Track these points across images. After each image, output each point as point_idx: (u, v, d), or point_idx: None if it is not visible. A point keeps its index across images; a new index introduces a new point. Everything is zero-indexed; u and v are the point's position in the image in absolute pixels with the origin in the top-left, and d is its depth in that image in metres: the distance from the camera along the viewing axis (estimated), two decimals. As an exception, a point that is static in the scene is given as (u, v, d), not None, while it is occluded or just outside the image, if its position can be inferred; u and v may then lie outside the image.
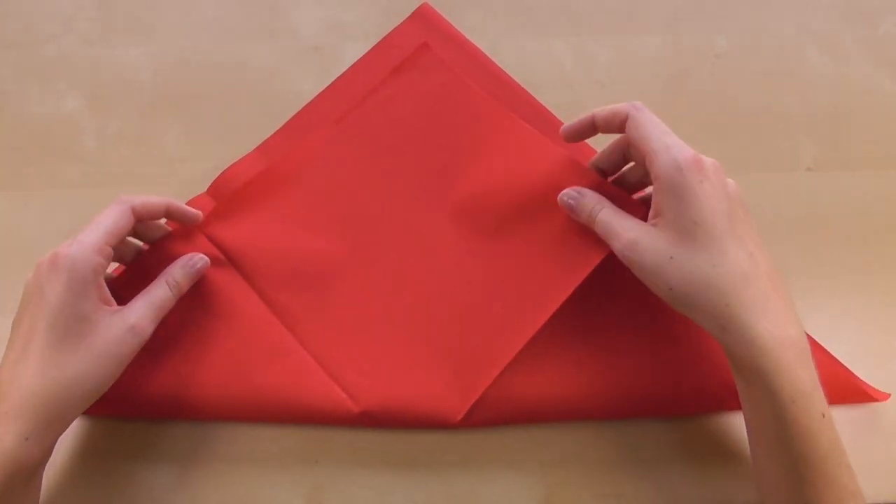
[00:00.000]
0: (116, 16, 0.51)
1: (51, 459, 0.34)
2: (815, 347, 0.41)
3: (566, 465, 0.40)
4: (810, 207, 0.46)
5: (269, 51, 0.50)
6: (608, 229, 0.36)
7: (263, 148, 0.46)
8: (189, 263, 0.39)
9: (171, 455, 0.40)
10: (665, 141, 0.35)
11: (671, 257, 0.33)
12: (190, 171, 0.46)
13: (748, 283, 0.32)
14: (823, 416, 0.31)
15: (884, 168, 0.47)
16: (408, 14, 0.49)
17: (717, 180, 0.34)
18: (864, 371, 0.41)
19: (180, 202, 0.40)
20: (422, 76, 0.46)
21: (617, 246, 0.36)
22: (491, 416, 0.40)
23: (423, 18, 0.48)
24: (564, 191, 0.39)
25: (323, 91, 0.47)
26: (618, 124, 0.37)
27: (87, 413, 0.36)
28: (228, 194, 0.43)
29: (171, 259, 0.39)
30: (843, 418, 0.41)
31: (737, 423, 0.41)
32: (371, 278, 0.42)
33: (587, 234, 0.39)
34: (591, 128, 0.39)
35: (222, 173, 0.44)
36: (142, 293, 0.37)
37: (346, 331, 0.41)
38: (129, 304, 0.36)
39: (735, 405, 0.36)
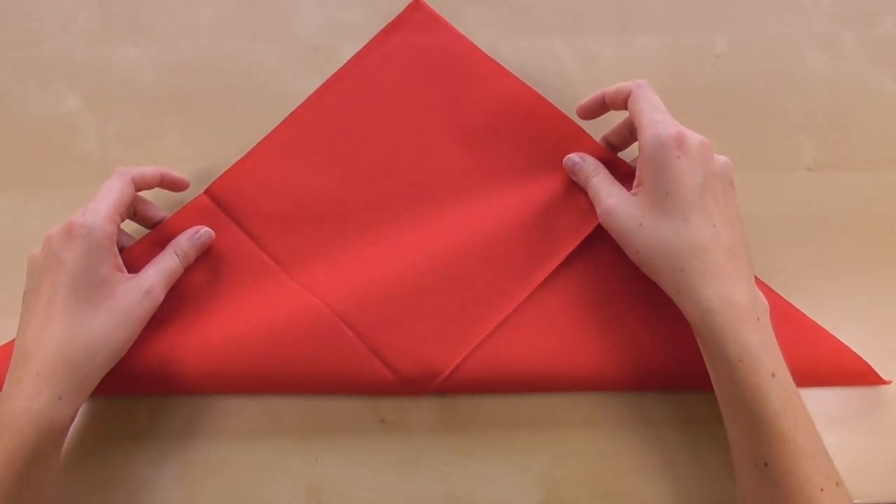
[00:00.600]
0: (116, 16, 0.51)
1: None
2: (818, 329, 0.42)
3: (566, 464, 0.40)
4: (810, 207, 0.46)
5: (269, 51, 0.50)
6: (596, 193, 0.40)
7: (265, 144, 0.45)
8: (195, 236, 0.41)
9: (172, 454, 0.40)
10: (654, 117, 0.37)
11: (640, 224, 0.37)
12: (190, 171, 0.46)
13: (704, 252, 0.35)
14: (774, 376, 0.33)
15: (884, 168, 0.47)
16: (407, 14, 0.49)
17: (698, 156, 0.36)
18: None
19: (172, 170, 0.42)
20: (416, 33, 0.47)
21: (598, 209, 0.40)
22: (484, 376, 0.40)
23: (416, 12, 0.49)
24: (570, 154, 0.42)
25: (316, 91, 0.47)
26: (622, 100, 0.40)
27: (98, 393, 0.36)
28: (228, 189, 0.44)
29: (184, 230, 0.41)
30: (844, 417, 0.41)
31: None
32: (375, 231, 0.43)
33: (586, 196, 0.41)
34: (602, 105, 0.42)
35: (221, 176, 0.44)
36: (152, 262, 0.39)
37: (351, 278, 0.41)
38: (141, 272, 0.38)
39: None
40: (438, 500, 0.39)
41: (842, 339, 0.42)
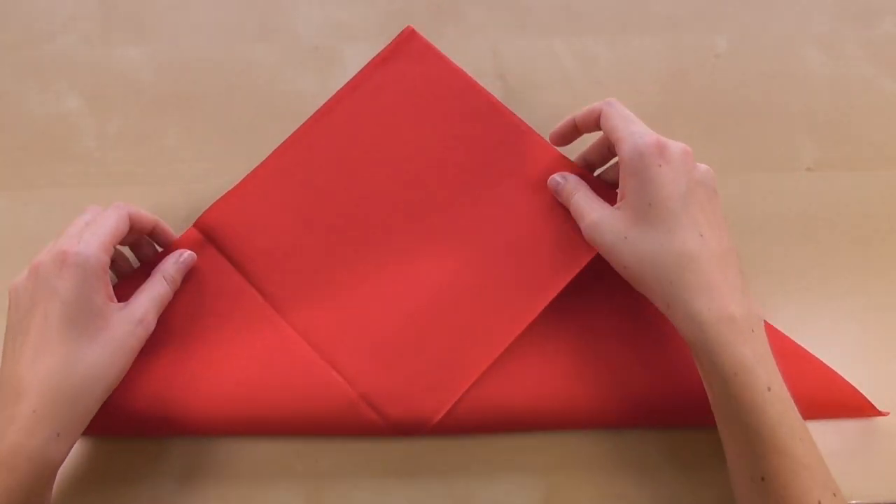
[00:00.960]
0: (116, 16, 0.51)
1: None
2: (816, 362, 0.41)
3: (566, 466, 0.40)
4: (810, 207, 0.46)
5: (269, 51, 0.50)
6: (578, 210, 0.39)
7: (255, 175, 0.44)
8: (180, 259, 0.41)
9: (172, 457, 0.40)
10: (630, 129, 0.37)
11: (626, 237, 0.36)
12: (190, 171, 0.46)
13: (692, 262, 0.34)
14: (769, 389, 0.32)
15: (884, 168, 0.47)
16: (407, 14, 0.49)
17: (680, 164, 0.36)
18: (864, 371, 0.41)
19: (167, 226, 0.41)
20: (410, 64, 0.46)
21: (582, 225, 0.39)
22: (475, 419, 0.39)
23: (409, 42, 0.47)
24: (553, 175, 0.42)
25: (306, 121, 0.45)
26: (594, 121, 0.40)
27: (91, 433, 0.35)
28: (217, 221, 0.43)
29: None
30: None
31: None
32: (365, 266, 0.42)
33: (577, 232, 0.40)
34: (574, 129, 0.41)
35: (210, 207, 0.43)
36: (141, 289, 0.38)
37: (341, 319, 0.41)
38: (132, 300, 0.37)
39: None
40: (438, 500, 0.39)
41: (841, 340, 0.42)
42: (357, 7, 0.51)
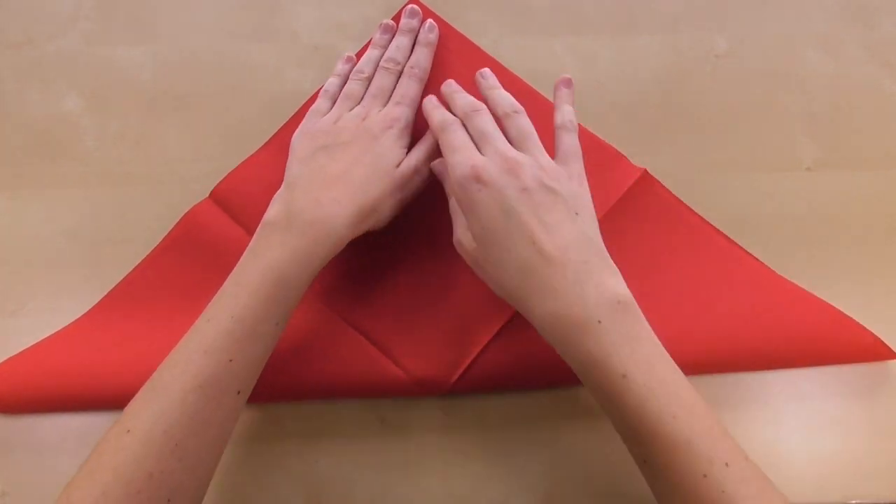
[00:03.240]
0: (116, 16, 0.51)
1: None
2: (818, 303, 0.42)
3: (566, 464, 0.40)
4: (810, 207, 0.46)
5: (269, 51, 0.50)
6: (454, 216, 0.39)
7: (267, 147, 0.45)
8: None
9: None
10: (451, 160, 0.37)
11: (475, 259, 0.37)
12: (190, 171, 0.46)
13: (529, 272, 0.34)
14: (625, 376, 0.31)
15: (884, 168, 0.47)
16: (408, 14, 0.49)
17: (500, 181, 0.35)
18: (864, 370, 0.41)
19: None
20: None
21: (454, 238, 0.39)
22: (496, 374, 0.40)
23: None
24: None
25: (317, 91, 0.46)
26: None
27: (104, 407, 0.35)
28: (233, 191, 0.44)
29: (195, 241, 0.42)
30: (843, 417, 0.41)
31: (738, 423, 0.41)
32: (380, 232, 0.42)
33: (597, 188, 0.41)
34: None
35: (225, 178, 0.44)
36: (419, 143, 0.42)
37: (357, 282, 0.42)
38: (411, 151, 0.42)
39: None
40: (438, 500, 0.39)
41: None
42: (357, 7, 0.51)
